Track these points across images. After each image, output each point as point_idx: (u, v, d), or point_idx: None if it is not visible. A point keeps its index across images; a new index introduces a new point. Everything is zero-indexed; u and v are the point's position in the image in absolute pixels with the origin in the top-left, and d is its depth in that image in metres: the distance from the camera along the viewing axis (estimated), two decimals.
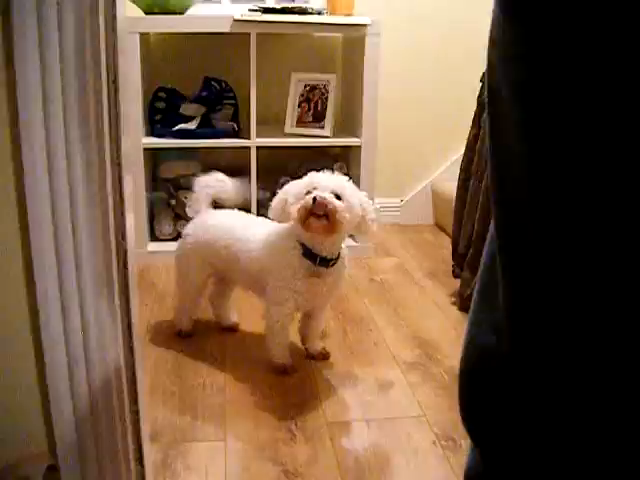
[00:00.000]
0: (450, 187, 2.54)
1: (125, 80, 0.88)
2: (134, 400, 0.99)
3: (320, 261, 1.62)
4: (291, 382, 1.70)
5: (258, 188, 2.59)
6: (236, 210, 1.92)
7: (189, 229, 1.87)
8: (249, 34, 2.43)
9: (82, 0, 0.80)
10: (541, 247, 0.53)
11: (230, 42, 2.63)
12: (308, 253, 1.62)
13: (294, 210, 1.55)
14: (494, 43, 0.54)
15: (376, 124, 2.61)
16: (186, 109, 2.60)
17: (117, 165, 0.88)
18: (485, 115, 0.59)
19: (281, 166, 2.75)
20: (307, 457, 1.39)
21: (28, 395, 0.94)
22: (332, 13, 2.60)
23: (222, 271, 1.85)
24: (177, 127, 2.55)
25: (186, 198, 1.86)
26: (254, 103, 2.49)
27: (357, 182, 2.50)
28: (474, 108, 2.12)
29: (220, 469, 1.34)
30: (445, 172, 3.12)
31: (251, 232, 1.75)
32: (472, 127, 2.13)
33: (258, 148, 2.55)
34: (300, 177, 1.65)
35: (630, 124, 0.45)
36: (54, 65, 0.81)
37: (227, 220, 1.84)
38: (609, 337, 0.51)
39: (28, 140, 0.82)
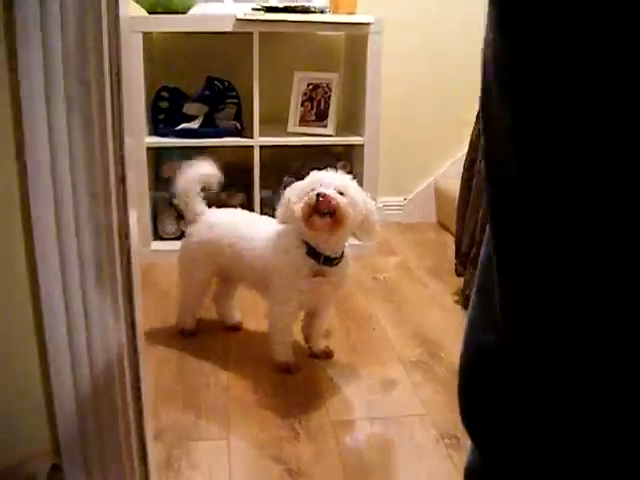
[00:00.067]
0: (453, 185, 2.53)
1: (128, 79, 0.88)
2: (137, 399, 0.99)
3: (324, 260, 1.62)
4: (294, 381, 1.70)
5: (261, 187, 2.59)
6: (239, 209, 1.92)
7: (193, 228, 1.87)
8: (252, 33, 2.43)
9: None
10: (533, 244, 0.54)
11: (233, 41, 2.63)
12: (312, 252, 1.62)
13: (297, 209, 1.55)
14: (487, 44, 0.55)
15: (379, 123, 2.60)
16: (189, 108, 2.60)
17: (120, 162, 0.88)
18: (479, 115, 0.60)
19: (284, 165, 2.74)
20: (311, 456, 1.39)
21: (32, 395, 0.94)
22: (335, 12, 2.60)
23: (226, 269, 1.85)
24: (180, 126, 2.55)
25: (187, 197, 1.84)
26: (257, 102, 2.49)
27: (360, 181, 2.50)
28: (477, 107, 2.11)
29: (224, 468, 1.34)
30: (448, 170, 3.11)
31: (255, 230, 1.76)
32: (475, 126, 2.12)
33: (261, 147, 2.55)
34: (303, 176, 1.65)
35: (610, 127, 0.46)
36: (57, 60, 0.81)
37: (231, 218, 1.84)
38: (604, 332, 0.52)
39: (31, 139, 0.83)
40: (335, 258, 1.64)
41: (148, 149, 2.48)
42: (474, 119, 2.13)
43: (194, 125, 2.56)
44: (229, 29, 2.42)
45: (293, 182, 1.70)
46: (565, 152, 0.48)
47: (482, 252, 0.68)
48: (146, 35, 2.45)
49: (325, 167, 1.64)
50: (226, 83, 2.67)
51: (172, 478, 1.31)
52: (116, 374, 0.94)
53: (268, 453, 1.39)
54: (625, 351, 0.51)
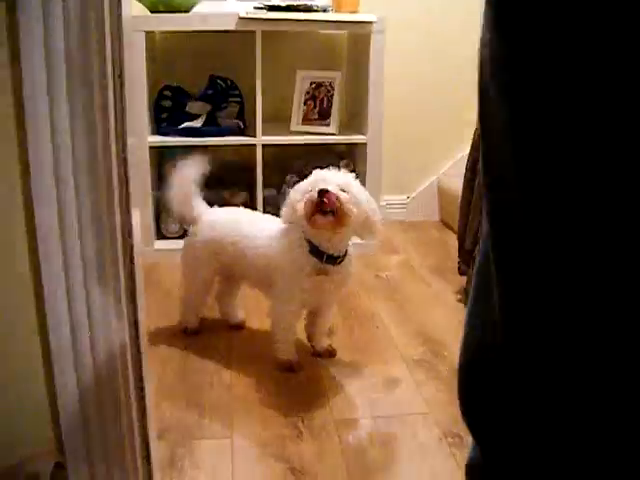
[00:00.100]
0: (456, 184, 2.53)
1: (131, 78, 0.88)
2: (140, 398, 0.99)
3: (327, 258, 1.62)
4: (297, 380, 1.70)
5: (264, 186, 2.59)
6: (242, 207, 1.92)
7: (196, 227, 1.87)
8: (254, 32, 2.43)
9: None
10: (532, 244, 0.54)
11: (235, 40, 2.63)
12: (315, 250, 1.62)
13: (300, 207, 1.55)
14: (483, 44, 0.55)
15: (382, 121, 2.60)
16: (192, 107, 2.60)
17: (123, 164, 0.88)
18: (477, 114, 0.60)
19: (287, 164, 2.74)
20: (314, 454, 1.39)
21: (35, 394, 0.95)
22: (337, 10, 2.60)
23: (229, 268, 1.85)
24: (183, 125, 2.55)
25: (184, 197, 1.84)
26: (260, 101, 2.49)
27: (363, 179, 2.50)
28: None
29: (227, 466, 1.35)
30: (451, 169, 3.11)
31: (258, 229, 1.76)
32: (477, 126, 2.12)
33: (264, 146, 2.55)
34: (306, 175, 1.65)
35: (608, 125, 0.46)
36: (59, 62, 0.81)
37: (234, 217, 1.84)
38: (603, 331, 0.52)
39: (34, 139, 0.83)
40: (338, 257, 1.64)
41: (151, 148, 2.48)
42: (476, 118, 2.13)
43: (197, 124, 2.56)
44: (232, 28, 2.42)
45: (296, 181, 1.70)
46: (563, 150, 0.48)
47: (480, 250, 0.68)
48: (148, 34, 2.45)
49: (328, 166, 1.64)
50: (229, 82, 2.67)
51: (175, 477, 1.31)
52: (119, 373, 0.95)
53: (271, 452, 1.40)
54: (624, 349, 0.51)
